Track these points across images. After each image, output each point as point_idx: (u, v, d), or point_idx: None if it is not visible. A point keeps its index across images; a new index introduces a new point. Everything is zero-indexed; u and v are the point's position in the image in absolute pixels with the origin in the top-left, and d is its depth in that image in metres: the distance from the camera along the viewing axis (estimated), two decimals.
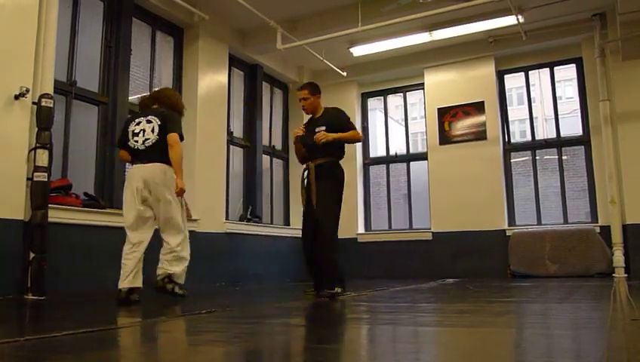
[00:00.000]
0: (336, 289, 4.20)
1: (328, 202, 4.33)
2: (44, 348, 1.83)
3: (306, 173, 4.47)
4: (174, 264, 3.82)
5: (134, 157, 3.85)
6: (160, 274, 3.82)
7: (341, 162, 4.50)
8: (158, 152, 3.76)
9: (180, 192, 3.77)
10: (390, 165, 8.63)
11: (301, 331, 2.44)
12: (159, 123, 3.82)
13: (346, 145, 4.56)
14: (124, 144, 3.90)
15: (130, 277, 3.61)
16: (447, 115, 7.93)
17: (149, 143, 3.77)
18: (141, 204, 3.71)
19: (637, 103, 6.68)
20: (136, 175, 3.74)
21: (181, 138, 3.84)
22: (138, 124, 3.87)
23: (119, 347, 2.02)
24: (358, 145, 8.32)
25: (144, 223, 3.74)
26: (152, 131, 3.79)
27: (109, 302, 3.72)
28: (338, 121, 4.48)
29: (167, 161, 3.77)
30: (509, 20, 6.51)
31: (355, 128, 4.53)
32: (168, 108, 4.00)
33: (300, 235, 4.52)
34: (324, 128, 4.33)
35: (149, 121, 3.85)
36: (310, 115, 4.63)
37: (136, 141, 3.81)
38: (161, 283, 3.82)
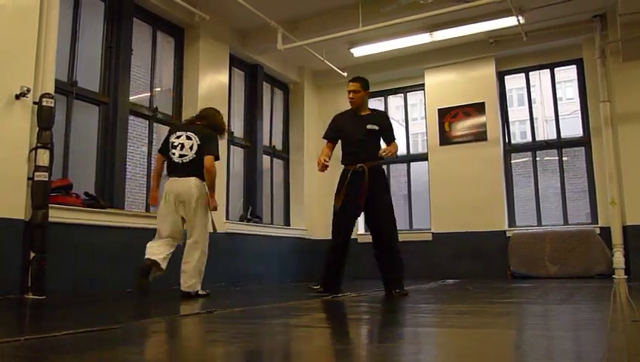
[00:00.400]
0: (404, 288, 4.44)
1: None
2: (44, 348, 1.83)
3: (349, 173, 4.50)
4: (188, 280, 4.14)
5: (171, 169, 4.19)
6: (182, 286, 4.17)
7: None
8: (194, 168, 4.12)
9: (214, 209, 4.21)
10: (390, 166, 8.63)
11: (301, 331, 2.44)
12: (198, 142, 4.14)
13: None
14: (165, 151, 4.24)
15: (160, 255, 3.94)
16: (447, 115, 7.93)
17: (185, 160, 4.12)
18: (177, 215, 4.08)
19: (637, 104, 6.67)
20: (173, 188, 4.12)
21: (216, 158, 4.16)
22: (178, 137, 4.21)
23: (119, 347, 2.02)
24: None
25: (178, 231, 4.16)
26: (191, 148, 4.14)
27: (110, 302, 3.73)
28: (388, 127, 4.69)
29: (200, 175, 4.12)
30: (510, 21, 6.51)
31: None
32: (209, 126, 4.30)
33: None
34: (377, 128, 4.57)
35: (188, 138, 4.17)
36: (350, 110, 4.72)
37: (174, 154, 4.16)
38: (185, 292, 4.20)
